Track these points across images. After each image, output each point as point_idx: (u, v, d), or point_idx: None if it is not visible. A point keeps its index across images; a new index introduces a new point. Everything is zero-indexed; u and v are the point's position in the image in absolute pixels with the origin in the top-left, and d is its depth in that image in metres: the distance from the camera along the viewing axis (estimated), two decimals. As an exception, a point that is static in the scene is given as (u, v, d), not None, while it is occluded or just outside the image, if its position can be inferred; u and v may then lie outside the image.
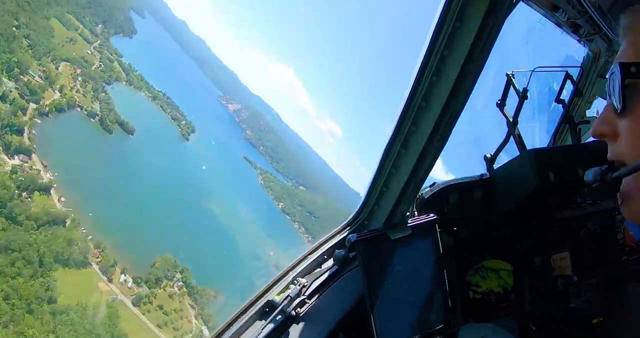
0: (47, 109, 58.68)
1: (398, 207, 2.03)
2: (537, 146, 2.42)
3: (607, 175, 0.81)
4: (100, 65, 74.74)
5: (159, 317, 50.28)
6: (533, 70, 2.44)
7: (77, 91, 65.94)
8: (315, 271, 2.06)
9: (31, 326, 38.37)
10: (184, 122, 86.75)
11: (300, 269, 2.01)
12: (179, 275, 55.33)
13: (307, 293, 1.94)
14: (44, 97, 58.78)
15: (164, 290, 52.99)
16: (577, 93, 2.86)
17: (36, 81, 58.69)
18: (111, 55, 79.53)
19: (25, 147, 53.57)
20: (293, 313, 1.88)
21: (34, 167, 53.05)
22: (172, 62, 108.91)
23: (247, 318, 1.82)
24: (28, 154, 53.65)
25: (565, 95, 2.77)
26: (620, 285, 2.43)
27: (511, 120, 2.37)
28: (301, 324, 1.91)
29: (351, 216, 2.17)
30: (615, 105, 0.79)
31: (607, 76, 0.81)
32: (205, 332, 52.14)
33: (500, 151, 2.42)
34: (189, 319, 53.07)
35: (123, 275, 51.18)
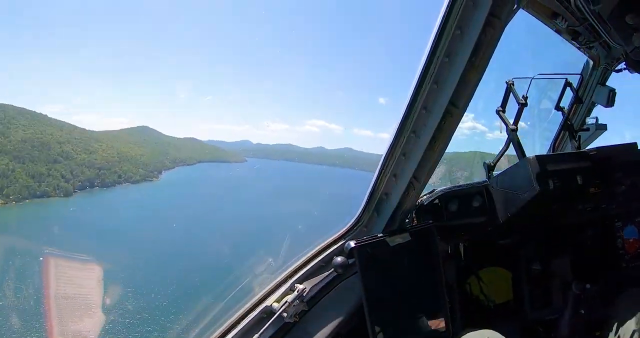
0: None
1: (397, 214, 2.02)
2: (537, 153, 2.41)
3: None
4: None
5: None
6: (533, 78, 2.44)
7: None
8: (314, 278, 2.05)
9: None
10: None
11: (298, 275, 1.99)
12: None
13: (305, 300, 1.93)
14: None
15: None
16: (576, 100, 2.87)
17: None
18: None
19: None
20: (291, 320, 1.86)
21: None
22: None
23: (244, 324, 1.80)
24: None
25: (565, 102, 2.78)
26: (621, 290, 2.41)
27: (511, 127, 2.37)
28: (299, 331, 1.89)
29: (350, 223, 2.15)
30: None
31: None
32: None
33: (500, 158, 2.41)
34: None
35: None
